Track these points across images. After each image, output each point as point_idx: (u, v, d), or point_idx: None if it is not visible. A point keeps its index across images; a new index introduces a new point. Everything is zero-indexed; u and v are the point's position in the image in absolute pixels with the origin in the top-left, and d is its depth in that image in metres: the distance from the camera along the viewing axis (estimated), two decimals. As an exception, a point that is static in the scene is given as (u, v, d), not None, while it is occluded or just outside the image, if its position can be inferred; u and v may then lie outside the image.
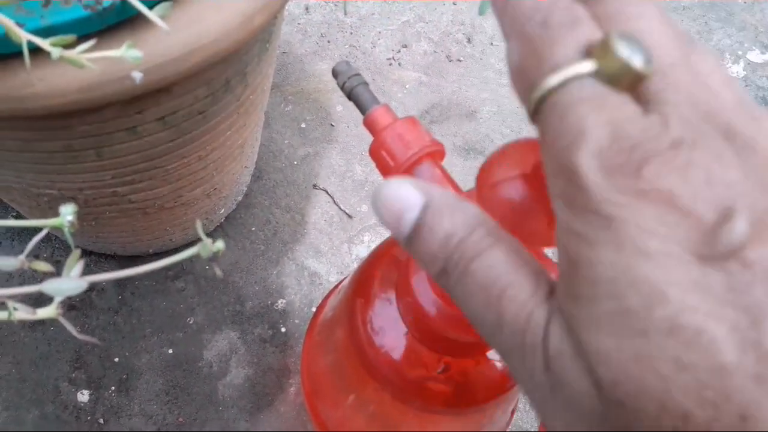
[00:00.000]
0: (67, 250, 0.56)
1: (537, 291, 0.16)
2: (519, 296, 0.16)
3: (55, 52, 0.23)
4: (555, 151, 0.15)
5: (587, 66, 0.15)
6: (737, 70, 0.82)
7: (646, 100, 0.15)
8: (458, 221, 0.17)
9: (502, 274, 0.16)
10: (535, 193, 0.20)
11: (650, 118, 0.14)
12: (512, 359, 0.16)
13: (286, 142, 0.66)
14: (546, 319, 0.15)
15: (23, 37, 0.23)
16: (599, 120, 0.14)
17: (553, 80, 0.15)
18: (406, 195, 0.18)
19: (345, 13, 0.77)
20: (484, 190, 0.21)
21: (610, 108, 0.15)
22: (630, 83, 0.15)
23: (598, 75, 0.15)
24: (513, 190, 0.20)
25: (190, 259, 0.57)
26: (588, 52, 0.15)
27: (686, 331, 0.13)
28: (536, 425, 0.53)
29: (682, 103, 0.15)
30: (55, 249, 0.57)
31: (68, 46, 0.24)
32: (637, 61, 0.15)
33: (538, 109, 0.16)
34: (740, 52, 0.84)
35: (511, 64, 0.17)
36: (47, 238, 0.58)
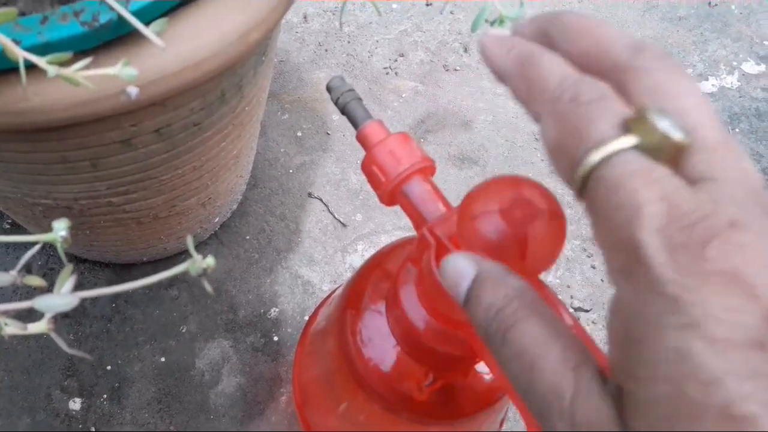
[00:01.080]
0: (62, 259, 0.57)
1: (565, 363, 0.17)
2: (547, 367, 0.17)
3: (52, 70, 0.23)
4: (612, 225, 0.15)
5: (629, 140, 0.15)
6: (732, 81, 0.83)
7: (691, 177, 0.16)
8: (500, 293, 0.19)
9: (534, 345, 0.18)
10: (511, 228, 0.21)
11: (700, 195, 0.15)
12: (543, 424, 0.17)
13: (282, 150, 0.67)
14: (573, 390, 0.16)
15: (20, 54, 0.24)
16: (653, 195, 0.15)
17: (597, 155, 0.16)
18: (462, 267, 0.20)
19: (340, 27, 0.78)
20: (464, 222, 0.22)
21: (659, 182, 0.15)
22: (671, 156, 0.16)
23: (640, 148, 0.15)
24: (490, 224, 0.21)
25: (185, 267, 0.58)
26: (626, 127, 0.16)
27: (740, 419, 0.13)
28: (527, 436, 0.54)
29: (729, 181, 0.15)
30: (49, 257, 0.57)
31: (64, 63, 0.24)
32: (676, 134, 0.15)
33: (584, 184, 0.16)
34: (735, 63, 0.85)
35: (548, 143, 0.17)
36: (41, 248, 0.58)
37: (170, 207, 0.45)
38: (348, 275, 0.60)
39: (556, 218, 0.23)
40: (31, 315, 0.23)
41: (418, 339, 0.31)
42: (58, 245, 0.24)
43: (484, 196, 0.23)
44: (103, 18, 0.27)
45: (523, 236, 0.22)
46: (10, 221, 0.58)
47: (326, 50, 0.75)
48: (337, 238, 0.62)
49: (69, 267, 0.23)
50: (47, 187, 0.38)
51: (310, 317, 0.50)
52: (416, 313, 0.31)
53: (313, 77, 0.73)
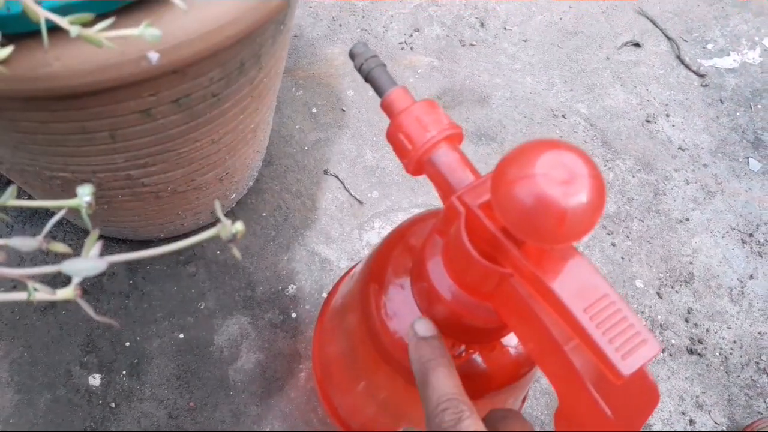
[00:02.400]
0: (79, 235, 0.56)
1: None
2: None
3: (74, 30, 0.23)
4: None
5: None
6: (754, 56, 0.81)
7: None
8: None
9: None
10: (549, 192, 0.21)
11: None
12: None
13: (297, 127, 0.66)
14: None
15: (41, 14, 0.23)
16: None
17: None
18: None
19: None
20: (499, 187, 0.22)
21: None
22: None
23: None
24: (528, 188, 0.21)
25: (202, 244, 0.57)
26: None
27: None
28: (546, 412, 0.53)
29: None
30: (66, 233, 0.57)
31: (86, 24, 0.24)
32: None
33: None
34: (757, 38, 0.83)
35: None
36: (58, 222, 0.58)
37: (188, 181, 0.45)
38: (365, 252, 0.59)
39: (597, 181, 0.22)
40: (57, 286, 0.22)
41: (446, 310, 0.31)
42: (83, 211, 0.23)
43: (521, 160, 0.22)
44: (124, -21, 0.27)
45: (563, 201, 0.21)
46: (26, 197, 0.58)
47: (340, 25, 0.74)
48: (353, 215, 0.61)
49: (95, 232, 0.22)
50: (66, 159, 0.37)
51: (329, 294, 0.50)
52: (443, 283, 0.31)
53: (327, 52, 0.72)
